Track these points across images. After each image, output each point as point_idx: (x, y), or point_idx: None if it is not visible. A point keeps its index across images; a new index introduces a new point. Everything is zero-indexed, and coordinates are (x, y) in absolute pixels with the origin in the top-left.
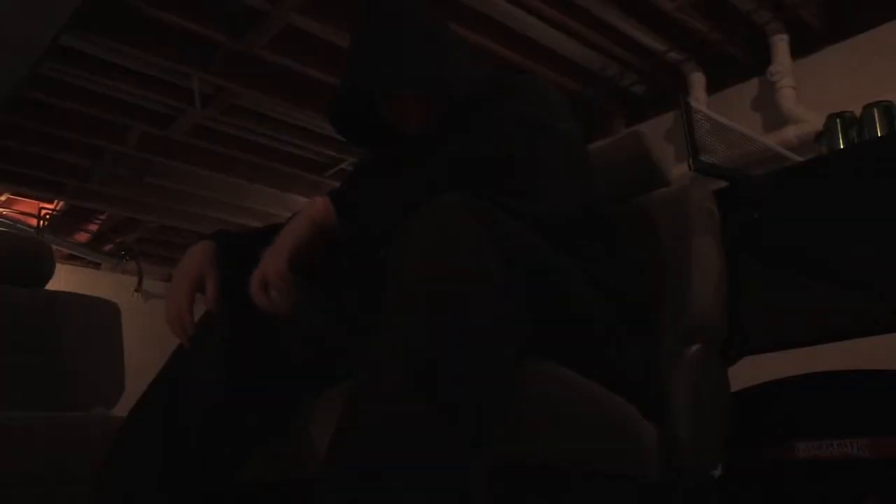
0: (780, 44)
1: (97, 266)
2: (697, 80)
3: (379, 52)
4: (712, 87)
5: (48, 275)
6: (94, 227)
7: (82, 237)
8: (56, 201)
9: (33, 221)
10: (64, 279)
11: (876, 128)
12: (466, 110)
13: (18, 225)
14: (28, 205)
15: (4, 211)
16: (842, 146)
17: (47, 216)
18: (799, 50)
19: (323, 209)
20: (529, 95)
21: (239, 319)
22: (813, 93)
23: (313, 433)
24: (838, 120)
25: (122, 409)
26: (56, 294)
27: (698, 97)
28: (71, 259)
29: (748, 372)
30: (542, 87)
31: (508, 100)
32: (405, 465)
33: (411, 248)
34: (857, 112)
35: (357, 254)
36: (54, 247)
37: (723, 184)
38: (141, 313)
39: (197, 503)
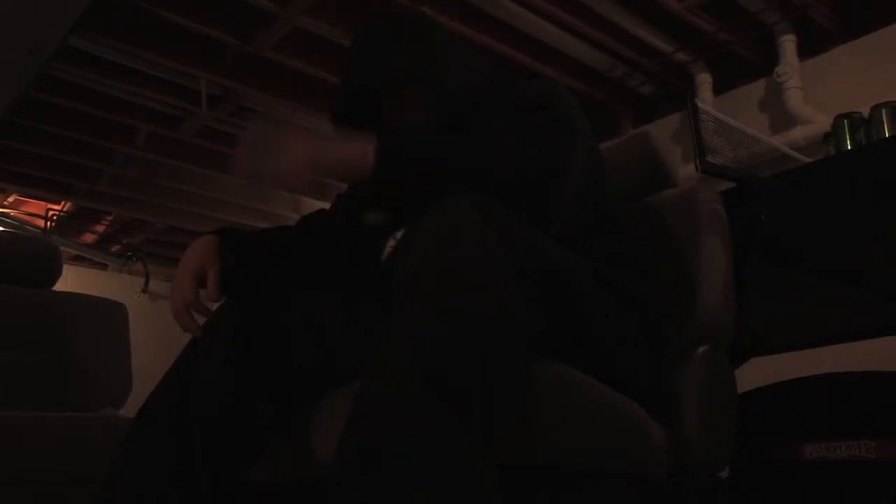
0: (788, 44)
1: (104, 267)
2: (705, 80)
3: (373, 49)
4: (720, 88)
5: (56, 276)
6: (100, 228)
7: (89, 238)
8: (63, 202)
9: (40, 223)
10: (71, 280)
11: (884, 129)
12: (475, 112)
13: (26, 226)
14: (35, 206)
15: (12, 212)
16: (849, 147)
17: (54, 217)
18: (807, 50)
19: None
20: (544, 98)
21: (246, 318)
22: (820, 94)
23: (323, 433)
24: (846, 121)
25: (129, 409)
26: (64, 295)
27: (705, 98)
28: (77, 260)
29: (754, 373)
30: (558, 89)
31: (523, 102)
32: (416, 464)
33: (421, 248)
34: (865, 113)
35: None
36: (61, 248)
37: (730, 184)
38: (147, 314)
39: (208, 502)
